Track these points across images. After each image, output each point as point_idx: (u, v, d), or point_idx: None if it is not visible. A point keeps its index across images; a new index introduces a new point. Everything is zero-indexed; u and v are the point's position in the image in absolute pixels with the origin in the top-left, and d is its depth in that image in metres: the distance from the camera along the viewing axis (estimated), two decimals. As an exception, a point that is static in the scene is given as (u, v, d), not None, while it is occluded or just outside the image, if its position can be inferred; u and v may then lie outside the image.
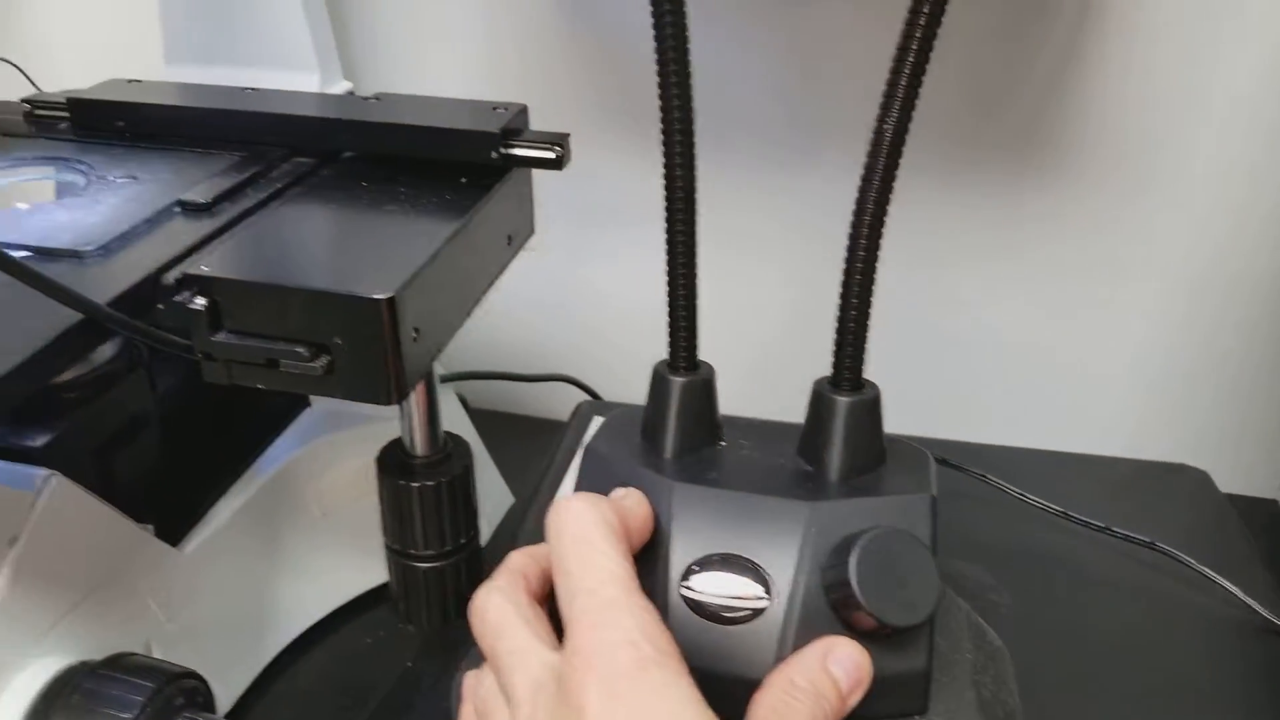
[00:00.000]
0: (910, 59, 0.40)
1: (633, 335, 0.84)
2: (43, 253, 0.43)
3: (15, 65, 0.77)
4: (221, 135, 0.54)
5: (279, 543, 0.57)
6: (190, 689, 0.44)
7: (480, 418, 0.69)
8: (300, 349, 0.41)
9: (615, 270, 0.81)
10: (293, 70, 0.64)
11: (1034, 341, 0.77)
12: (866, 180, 0.42)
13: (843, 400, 0.41)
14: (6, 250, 0.34)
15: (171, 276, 0.41)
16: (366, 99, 0.56)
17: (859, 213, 0.43)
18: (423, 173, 0.52)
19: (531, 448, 0.74)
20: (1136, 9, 0.65)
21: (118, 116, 0.55)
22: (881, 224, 0.43)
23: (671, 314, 0.46)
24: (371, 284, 0.40)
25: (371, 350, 0.41)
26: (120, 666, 0.44)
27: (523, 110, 0.55)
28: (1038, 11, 0.66)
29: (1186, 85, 0.66)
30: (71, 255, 0.42)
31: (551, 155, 0.52)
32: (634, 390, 0.82)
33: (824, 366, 0.44)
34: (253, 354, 0.42)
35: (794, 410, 0.45)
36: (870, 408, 0.42)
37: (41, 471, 0.44)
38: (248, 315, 0.41)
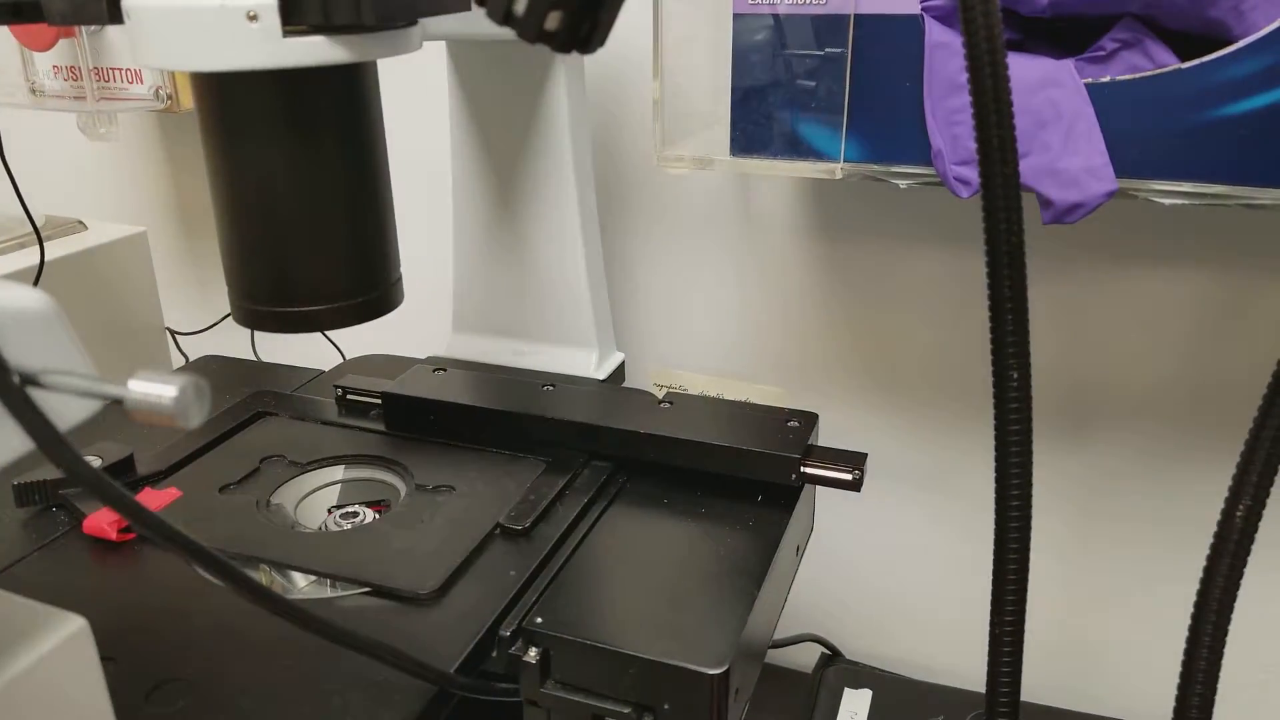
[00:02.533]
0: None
1: (874, 595, 0.82)
2: (384, 593, 0.45)
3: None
4: (527, 438, 0.56)
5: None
6: None
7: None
8: (626, 709, 0.42)
9: (857, 533, 0.80)
10: (574, 346, 0.67)
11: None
12: (1222, 538, 0.40)
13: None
14: (375, 643, 0.36)
15: (506, 628, 0.43)
16: (659, 401, 0.57)
17: (1211, 574, 0.40)
18: (720, 487, 0.53)
19: (774, 700, 0.73)
20: None
21: (429, 412, 0.58)
22: (1237, 584, 0.40)
23: (991, 673, 0.44)
24: (704, 655, 0.40)
25: (700, 717, 0.40)
26: None
27: (815, 420, 0.55)
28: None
29: None
30: (411, 598, 0.44)
31: (849, 478, 0.52)
32: (871, 646, 0.81)
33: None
34: (578, 709, 0.42)
35: None
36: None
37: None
38: (578, 671, 0.42)
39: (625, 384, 0.71)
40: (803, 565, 0.82)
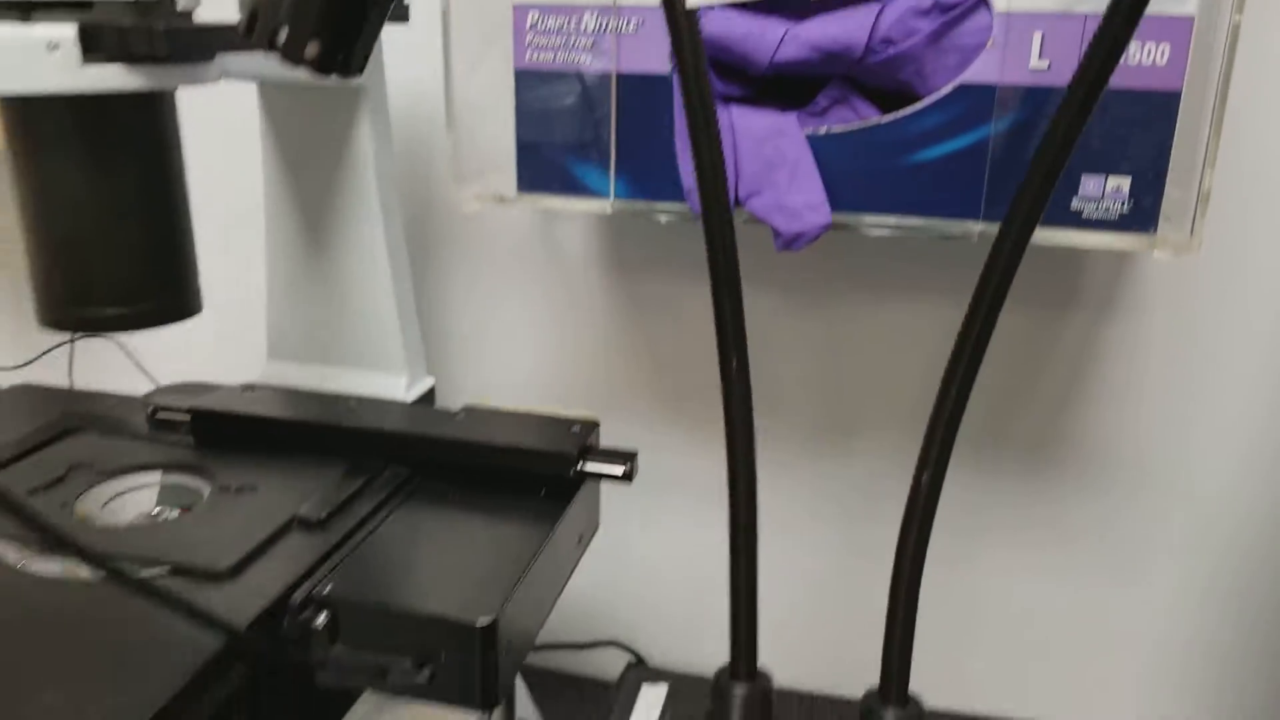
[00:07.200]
0: (963, 366, 0.47)
1: (677, 602, 0.89)
2: (182, 571, 0.48)
3: (122, 346, 0.86)
4: (329, 447, 0.61)
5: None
6: None
7: (528, 675, 0.76)
8: (407, 663, 0.46)
9: (662, 542, 0.87)
10: (384, 372, 0.72)
11: (1052, 621, 0.82)
12: (913, 501, 0.48)
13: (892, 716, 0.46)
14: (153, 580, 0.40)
15: (297, 597, 0.47)
16: (454, 414, 0.63)
17: (905, 531, 0.49)
18: (506, 484, 0.59)
19: (580, 711, 0.80)
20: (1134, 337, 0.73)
21: (235, 427, 0.62)
22: (927, 538, 0.49)
23: (733, 623, 0.51)
24: (474, 609, 0.46)
25: (472, 666, 0.46)
26: None
27: (595, 426, 0.62)
28: (1051, 336, 0.75)
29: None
30: (207, 574, 0.48)
31: (620, 473, 0.59)
32: (677, 653, 0.87)
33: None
34: (365, 666, 0.47)
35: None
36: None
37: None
38: (363, 632, 0.47)
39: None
40: (603, 572, 0.89)
